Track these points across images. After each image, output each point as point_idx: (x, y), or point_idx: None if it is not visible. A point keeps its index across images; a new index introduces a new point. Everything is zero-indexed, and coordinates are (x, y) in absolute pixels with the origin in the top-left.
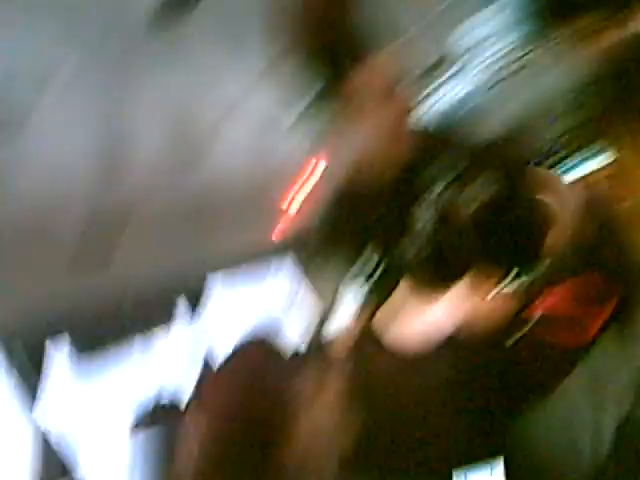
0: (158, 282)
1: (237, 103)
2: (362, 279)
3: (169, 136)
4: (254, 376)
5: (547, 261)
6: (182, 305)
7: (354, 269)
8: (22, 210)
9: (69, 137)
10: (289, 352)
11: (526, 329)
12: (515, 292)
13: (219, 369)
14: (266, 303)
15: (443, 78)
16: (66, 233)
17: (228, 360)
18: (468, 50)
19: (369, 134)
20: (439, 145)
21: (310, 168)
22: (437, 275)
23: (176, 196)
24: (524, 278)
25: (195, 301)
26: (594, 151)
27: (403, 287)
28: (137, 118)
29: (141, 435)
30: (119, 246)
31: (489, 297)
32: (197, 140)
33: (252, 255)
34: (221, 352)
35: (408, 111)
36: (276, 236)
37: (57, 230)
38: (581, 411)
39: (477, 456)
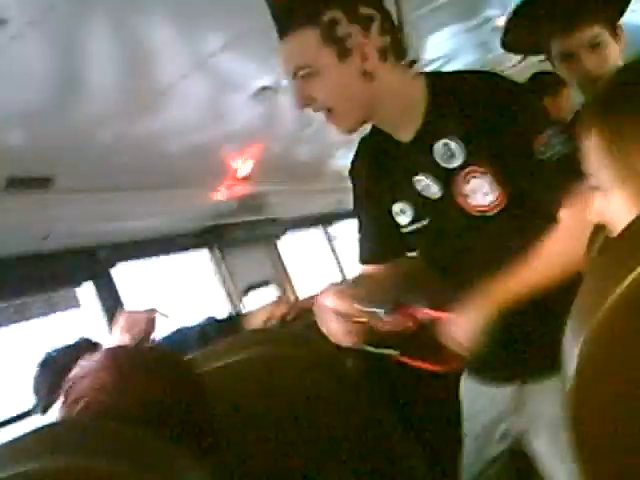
0: (84, 233)
1: (202, 61)
2: None
3: (125, 79)
4: None
5: None
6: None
7: None
8: None
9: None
10: None
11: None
12: None
13: None
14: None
15: None
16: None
17: None
18: (436, 60)
19: None
20: None
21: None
22: None
23: (124, 140)
24: None
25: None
26: None
27: None
28: (94, 56)
29: None
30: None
31: None
32: (153, 90)
33: (194, 213)
34: None
35: None
36: (221, 196)
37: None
38: None
39: None
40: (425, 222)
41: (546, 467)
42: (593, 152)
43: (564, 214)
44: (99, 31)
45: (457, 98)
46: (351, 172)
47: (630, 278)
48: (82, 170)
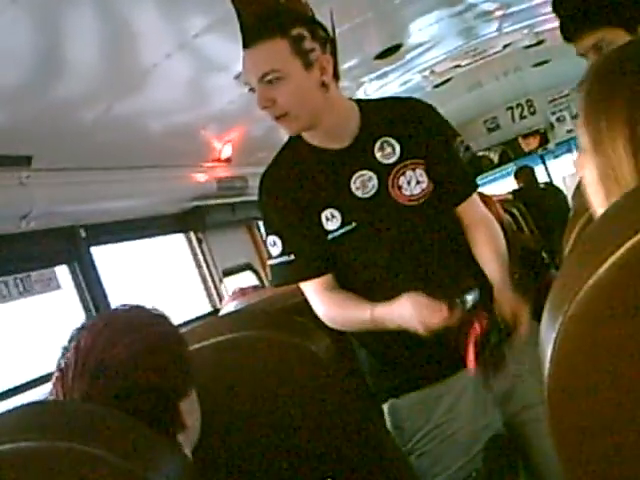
0: (64, 212)
1: (186, 42)
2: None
3: (107, 58)
4: None
5: None
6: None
7: None
8: None
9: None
10: None
11: None
12: None
13: None
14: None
15: (394, 65)
16: None
17: None
18: (420, 45)
19: None
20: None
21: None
22: None
23: (106, 120)
24: None
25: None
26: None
27: None
28: (76, 33)
29: None
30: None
31: None
32: (136, 70)
33: (175, 194)
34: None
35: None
36: (202, 177)
37: None
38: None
39: None
40: (354, 224)
41: (537, 416)
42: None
43: (475, 205)
44: (83, 10)
45: (386, 110)
46: (267, 191)
47: (607, 264)
48: (62, 149)
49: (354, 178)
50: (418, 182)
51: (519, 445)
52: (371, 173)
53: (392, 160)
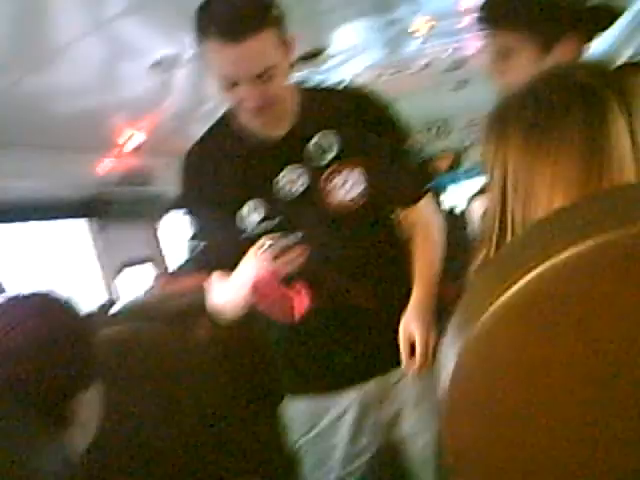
0: None
1: (102, 23)
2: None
3: (18, 31)
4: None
5: None
6: None
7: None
8: None
9: None
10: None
11: None
12: None
13: None
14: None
15: (313, 70)
16: None
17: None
18: (340, 54)
19: None
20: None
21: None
22: None
23: (8, 96)
24: None
25: None
26: None
27: None
28: None
29: None
30: None
31: None
32: (46, 48)
33: (78, 180)
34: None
35: None
36: (106, 165)
37: None
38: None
39: None
40: (276, 221)
41: (416, 448)
42: None
43: (420, 210)
44: None
45: (329, 101)
46: (188, 168)
47: (511, 289)
48: None
49: (283, 173)
50: (355, 184)
51: (402, 471)
52: (301, 170)
53: (327, 158)
